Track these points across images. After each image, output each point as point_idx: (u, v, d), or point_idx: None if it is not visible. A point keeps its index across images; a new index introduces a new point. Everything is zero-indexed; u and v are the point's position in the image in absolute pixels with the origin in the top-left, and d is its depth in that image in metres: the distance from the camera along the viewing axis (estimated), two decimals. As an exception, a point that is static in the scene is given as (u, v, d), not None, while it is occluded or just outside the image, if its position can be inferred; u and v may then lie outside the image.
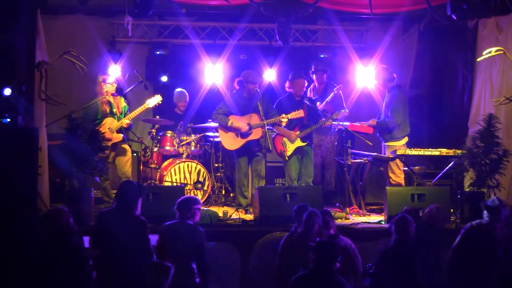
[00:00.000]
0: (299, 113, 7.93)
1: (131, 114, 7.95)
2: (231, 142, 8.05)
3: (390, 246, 5.56)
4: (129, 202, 5.50)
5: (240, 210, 7.87)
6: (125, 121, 7.87)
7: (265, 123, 7.79)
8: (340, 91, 9.11)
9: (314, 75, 9.25)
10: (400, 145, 8.15)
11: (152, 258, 5.46)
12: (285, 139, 8.07)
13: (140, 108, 8.03)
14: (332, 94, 8.97)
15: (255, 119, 7.99)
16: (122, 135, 7.91)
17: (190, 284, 5.58)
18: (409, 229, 5.50)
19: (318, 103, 8.82)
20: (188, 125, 9.01)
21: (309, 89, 9.23)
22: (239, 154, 8.08)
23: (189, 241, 5.65)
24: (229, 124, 7.96)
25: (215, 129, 8.71)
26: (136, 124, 8.34)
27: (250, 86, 7.97)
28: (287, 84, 8.25)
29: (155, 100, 8.15)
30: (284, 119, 7.87)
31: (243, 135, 8.00)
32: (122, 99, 8.11)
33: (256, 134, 7.97)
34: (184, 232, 5.68)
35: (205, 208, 8.05)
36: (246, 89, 8.03)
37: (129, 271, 5.31)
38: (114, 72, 8.78)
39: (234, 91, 8.35)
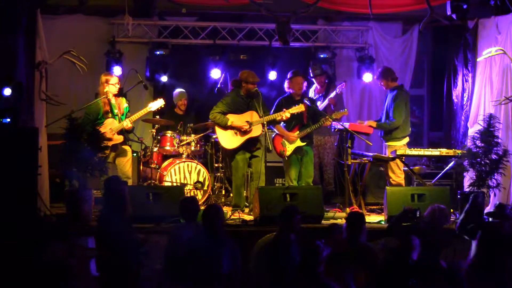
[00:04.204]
0: (299, 108, 7.89)
1: (133, 116, 7.90)
2: (230, 141, 7.99)
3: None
4: (116, 198, 5.46)
5: (238, 210, 7.84)
6: (127, 124, 7.84)
7: (264, 120, 7.76)
8: (342, 90, 9.13)
9: (314, 79, 9.28)
10: (400, 145, 8.15)
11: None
12: (284, 139, 8.06)
13: (142, 111, 8.00)
14: (334, 92, 8.98)
15: (255, 116, 7.96)
16: (122, 136, 7.89)
17: None
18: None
19: (319, 103, 8.83)
20: (188, 125, 9.00)
21: (311, 90, 9.24)
22: (238, 152, 8.03)
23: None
24: (228, 123, 7.90)
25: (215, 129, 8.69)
26: (136, 124, 8.32)
27: (249, 86, 7.94)
28: (286, 84, 8.24)
29: (158, 104, 8.14)
30: (285, 114, 7.84)
31: (243, 132, 7.97)
32: (124, 99, 8.08)
33: (256, 131, 7.93)
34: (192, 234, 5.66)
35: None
36: (245, 88, 7.99)
37: (127, 271, 5.30)
38: (116, 72, 8.81)
39: (231, 91, 8.33)
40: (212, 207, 5.82)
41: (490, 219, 5.92)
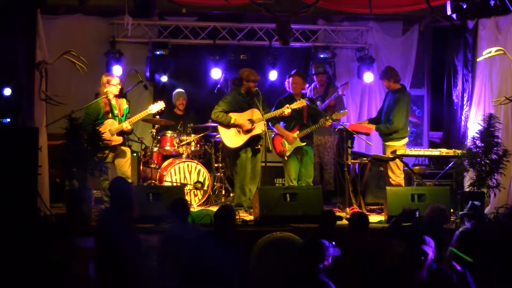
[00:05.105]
0: (301, 103, 7.90)
1: (133, 118, 7.88)
2: (234, 140, 7.97)
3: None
4: (123, 199, 5.45)
5: (241, 210, 7.84)
6: (126, 126, 7.83)
7: (265, 117, 7.76)
8: (343, 91, 9.13)
9: (315, 77, 9.27)
10: (400, 145, 8.14)
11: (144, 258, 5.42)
12: (284, 139, 8.05)
13: (142, 113, 7.99)
14: (336, 93, 8.97)
15: (256, 113, 7.95)
16: (122, 137, 7.88)
17: None
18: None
19: (319, 102, 8.83)
20: (188, 125, 9.00)
21: (309, 89, 9.24)
22: (242, 150, 8.00)
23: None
24: (232, 121, 7.91)
25: (215, 129, 8.69)
26: (136, 124, 8.32)
27: (250, 85, 7.94)
28: (286, 84, 8.25)
29: (158, 106, 8.12)
30: (287, 109, 7.84)
31: (246, 130, 7.97)
32: (124, 100, 8.07)
33: (258, 128, 7.94)
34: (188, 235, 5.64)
35: (205, 208, 8.07)
36: (246, 87, 7.99)
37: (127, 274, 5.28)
38: (116, 72, 8.80)
39: (232, 90, 8.31)
40: (225, 208, 5.78)
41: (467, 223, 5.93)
